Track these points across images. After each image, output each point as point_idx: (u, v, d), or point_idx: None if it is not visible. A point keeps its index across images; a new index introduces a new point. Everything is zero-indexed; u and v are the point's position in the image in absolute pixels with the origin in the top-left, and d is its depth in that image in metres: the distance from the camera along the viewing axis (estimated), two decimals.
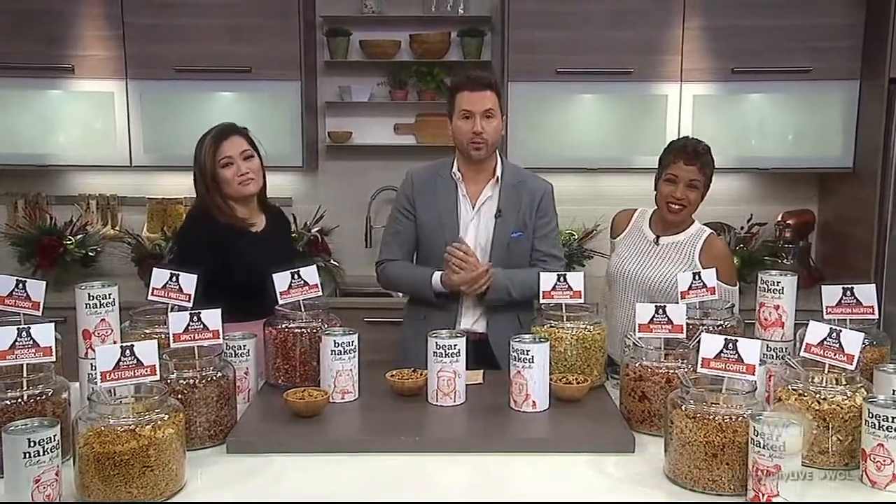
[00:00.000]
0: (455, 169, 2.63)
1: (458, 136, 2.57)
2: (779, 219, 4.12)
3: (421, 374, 2.17)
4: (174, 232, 3.78)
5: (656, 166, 2.64)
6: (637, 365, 1.99)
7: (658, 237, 2.61)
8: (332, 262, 4.12)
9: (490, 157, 2.62)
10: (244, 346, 2.18)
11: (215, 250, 2.49)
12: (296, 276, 2.23)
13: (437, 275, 2.56)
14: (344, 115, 4.21)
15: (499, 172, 2.62)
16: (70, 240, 3.96)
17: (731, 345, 1.71)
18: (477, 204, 2.61)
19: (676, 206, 2.53)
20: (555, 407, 2.04)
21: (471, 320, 2.63)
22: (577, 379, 2.11)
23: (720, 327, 2.13)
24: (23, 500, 1.46)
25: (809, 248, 4.16)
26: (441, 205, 2.61)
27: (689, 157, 2.51)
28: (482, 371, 2.35)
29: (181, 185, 3.94)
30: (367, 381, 2.17)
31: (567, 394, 2.07)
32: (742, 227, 4.11)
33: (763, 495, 1.54)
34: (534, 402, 2.01)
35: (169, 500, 1.61)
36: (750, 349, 1.70)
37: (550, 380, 2.06)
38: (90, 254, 4.02)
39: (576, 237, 4.06)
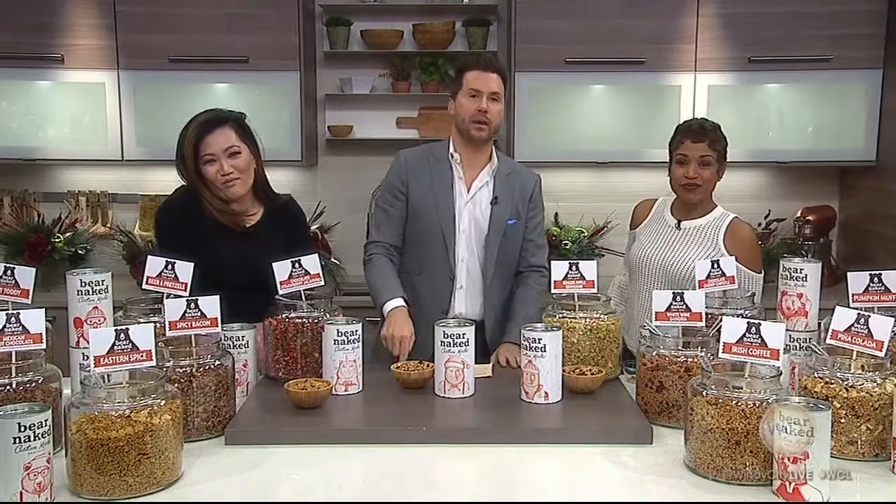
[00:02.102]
0: (452, 150, 2.59)
1: (461, 113, 2.54)
2: (798, 215, 4.03)
3: (427, 366, 2.10)
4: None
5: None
6: (654, 354, 1.92)
7: (680, 222, 2.56)
8: (332, 259, 4.03)
9: (487, 143, 2.60)
10: (243, 336, 2.10)
11: (195, 243, 2.31)
12: (296, 265, 2.16)
13: (390, 303, 2.44)
14: (344, 107, 4.15)
15: (496, 160, 2.60)
16: (58, 238, 3.88)
17: (753, 329, 1.65)
18: (472, 189, 2.58)
19: (691, 185, 2.49)
20: (568, 398, 1.98)
21: (464, 305, 2.59)
22: (590, 370, 2.05)
23: (740, 317, 2.05)
24: (13, 488, 1.40)
25: (830, 245, 4.07)
26: (436, 186, 2.57)
27: (695, 134, 2.49)
28: (491, 364, 2.30)
29: (175, 181, 3.82)
30: (371, 374, 2.12)
31: (580, 385, 2.00)
32: (759, 224, 4.02)
33: (790, 485, 1.48)
34: (546, 393, 1.94)
35: (165, 492, 1.54)
36: (774, 333, 1.64)
37: (563, 371, 1.99)
38: (80, 252, 3.93)
39: (585, 234, 4.00)
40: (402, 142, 4.01)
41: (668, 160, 2.60)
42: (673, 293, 1.98)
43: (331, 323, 2.05)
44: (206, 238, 2.36)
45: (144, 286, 2.02)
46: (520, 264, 2.65)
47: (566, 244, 3.93)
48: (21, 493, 1.39)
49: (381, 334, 2.39)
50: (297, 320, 2.14)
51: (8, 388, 1.63)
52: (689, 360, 1.88)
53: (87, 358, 1.60)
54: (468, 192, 2.58)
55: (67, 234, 3.91)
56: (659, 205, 2.68)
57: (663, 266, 2.52)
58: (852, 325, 1.71)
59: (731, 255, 2.35)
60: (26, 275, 1.89)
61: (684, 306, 1.96)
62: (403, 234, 2.61)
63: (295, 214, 2.61)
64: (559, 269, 2.17)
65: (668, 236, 2.57)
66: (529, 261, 2.64)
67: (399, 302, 2.45)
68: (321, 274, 2.18)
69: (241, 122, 2.43)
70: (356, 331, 2.04)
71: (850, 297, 1.91)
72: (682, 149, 2.50)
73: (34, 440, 1.40)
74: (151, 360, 1.61)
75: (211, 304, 1.90)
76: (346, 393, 2.02)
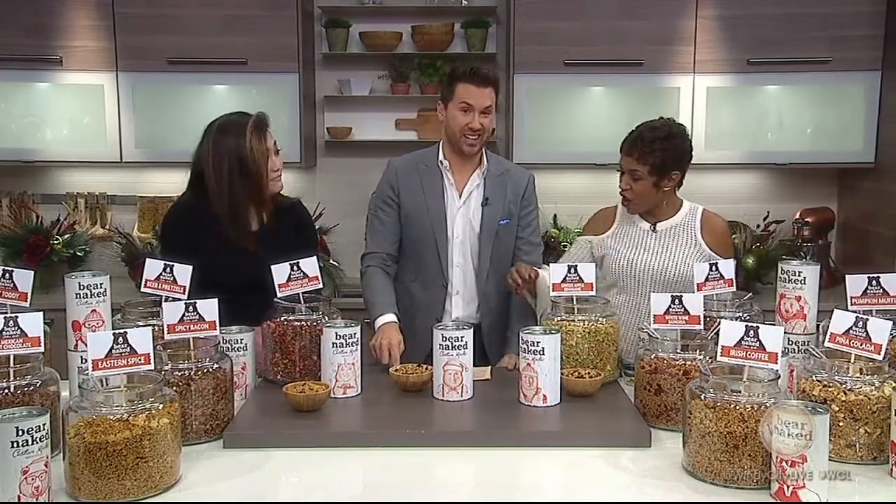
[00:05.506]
0: (442, 157, 2.59)
1: (452, 125, 2.53)
2: (797, 216, 4.01)
3: (426, 369, 2.10)
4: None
5: None
6: (652, 357, 1.92)
7: (654, 225, 2.50)
8: (331, 261, 4.02)
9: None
10: (241, 339, 2.10)
11: (200, 243, 2.34)
12: (295, 268, 2.16)
13: (382, 318, 2.44)
14: (343, 109, 4.14)
15: (486, 162, 2.59)
16: (57, 239, 3.87)
17: (752, 332, 1.66)
18: (464, 193, 2.58)
19: (625, 199, 2.46)
20: (566, 401, 1.98)
21: (460, 310, 2.57)
22: (589, 373, 2.04)
23: (738, 320, 2.05)
24: (10, 492, 1.39)
25: (829, 246, 4.06)
26: (427, 194, 2.57)
27: (626, 147, 2.46)
28: (489, 367, 2.30)
29: (174, 183, 3.81)
30: (369, 377, 2.12)
31: (579, 388, 2.00)
32: (758, 226, 4.01)
33: (788, 488, 1.48)
34: (544, 396, 1.94)
35: (163, 495, 1.54)
36: (772, 337, 1.65)
37: (562, 374, 1.99)
38: (78, 254, 3.92)
39: None
40: (401, 143, 4.02)
41: None
42: (671, 296, 1.97)
43: (329, 326, 2.04)
44: (210, 239, 2.37)
45: (143, 289, 2.02)
46: (514, 263, 2.58)
47: (565, 246, 3.93)
48: (19, 497, 1.39)
49: (371, 344, 2.37)
50: (296, 323, 2.14)
51: (6, 391, 1.63)
52: (688, 363, 1.88)
53: (86, 361, 1.60)
54: (460, 197, 2.58)
55: (66, 236, 3.90)
56: (622, 210, 2.56)
57: (654, 272, 2.43)
58: (850, 328, 1.71)
59: (709, 248, 2.39)
60: (25, 278, 1.89)
61: (683, 309, 1.96)
62: (400, 241, 2.61)
63: (301, 217, 2.62)
64: (558, 271, 2.17)
65: (646, 241, 2.48)
66: (523, 259, 2.59)
67: (391, 318, 2.44)
68: (320, 277, 2.18)
69: None
70: (355, 333, 2.04)
71: (849, 300, 1.91)
72: (621, 160, 2.47)
73: (32, 444, 1.40)
74: (149, 363, 1.61)
75: (209, 308, 1.90)
76: (345, 396, 2.02)
